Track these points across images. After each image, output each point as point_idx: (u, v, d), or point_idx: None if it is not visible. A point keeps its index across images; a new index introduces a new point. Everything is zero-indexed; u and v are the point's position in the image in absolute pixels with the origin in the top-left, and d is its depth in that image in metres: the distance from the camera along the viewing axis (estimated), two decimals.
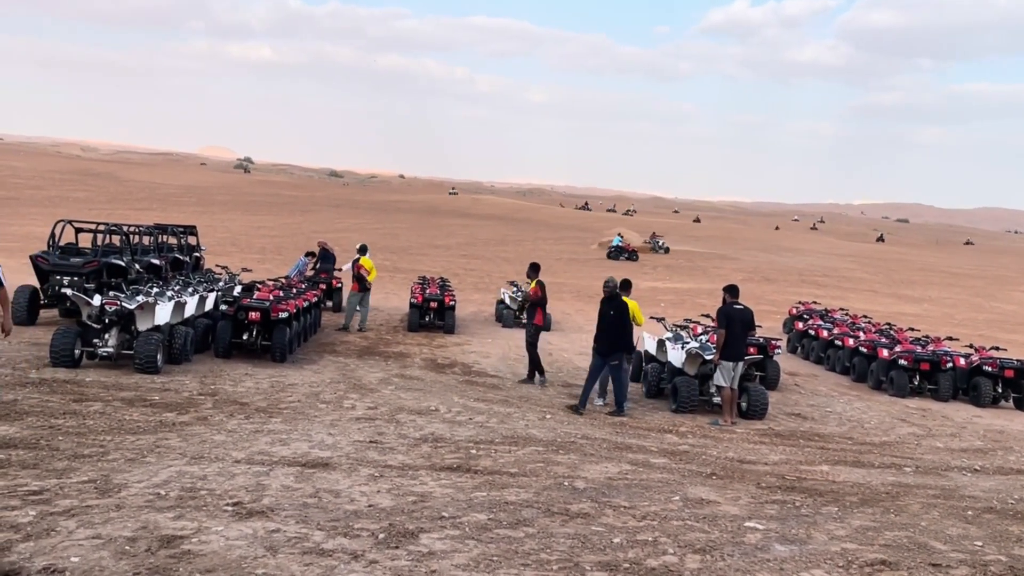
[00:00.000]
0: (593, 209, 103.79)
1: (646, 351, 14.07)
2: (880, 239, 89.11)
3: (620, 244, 45.76)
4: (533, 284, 13.71)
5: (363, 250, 18.38)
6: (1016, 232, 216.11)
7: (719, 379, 11.68)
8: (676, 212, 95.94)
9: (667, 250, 48.72)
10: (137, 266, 16.34)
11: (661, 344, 13.39)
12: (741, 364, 11.77)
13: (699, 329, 14.69)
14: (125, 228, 17.52)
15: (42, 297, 14.85)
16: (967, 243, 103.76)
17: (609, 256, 44.37)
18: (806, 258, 54.67)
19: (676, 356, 12.76)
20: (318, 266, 20.67)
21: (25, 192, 54.63)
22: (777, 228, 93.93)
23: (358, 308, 17.69)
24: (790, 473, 8.70)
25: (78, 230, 18.02)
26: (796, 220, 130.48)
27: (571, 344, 18.00)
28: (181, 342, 12.17)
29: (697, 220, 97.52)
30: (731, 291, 12.08)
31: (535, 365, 13.43)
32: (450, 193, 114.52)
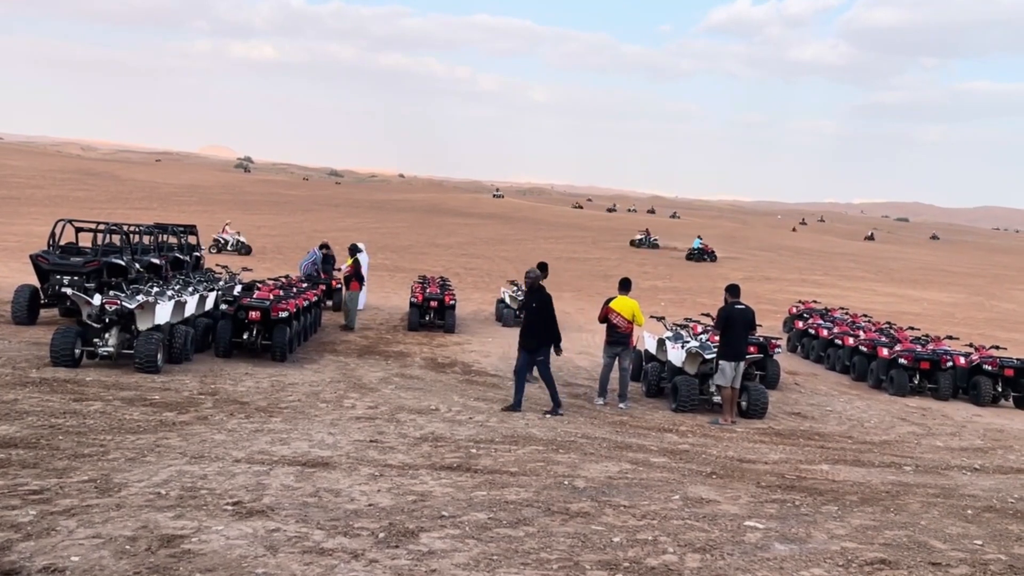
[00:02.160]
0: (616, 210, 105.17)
1: (646, 350, 14.08)
2: (869, 237, 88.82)
3: (700, 246, 47.31)
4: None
5: (355, 250, 18.57)
6: (1001, 229, 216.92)
7: (719, 378, 11.68)
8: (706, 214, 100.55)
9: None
10: (137, 265, 16.34)
11: (661, 343, 13.39)
12: (742, 364, 11.76)
13: (699, 328, 14.70)
14: (125, 227, 17.52)
15: (42, 296, 14.85)
16: (932, 237, 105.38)
17: (689, 258, 46.00)
18: (806, 256, 54.69)
19: (676, 355, 12.77)
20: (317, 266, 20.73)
21: (26, 191, 54.64)
22: (795, 230, 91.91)
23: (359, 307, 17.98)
24: (790, 472, 8.70)
25: (78, 229, 18.03)
26: (779, 218, 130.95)
27: (571, 343, 17.99)
28: (181, 341, 12.17)
29: (652, 214, 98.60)
30: (732, 291, 12.09)
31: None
32: (494, 195, 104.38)
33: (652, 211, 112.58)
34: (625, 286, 12.75)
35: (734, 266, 43.84)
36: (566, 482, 7.46)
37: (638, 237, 52.93)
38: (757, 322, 12.37)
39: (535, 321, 11.27)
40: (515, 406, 10.96)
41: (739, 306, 11.79)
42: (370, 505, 6.32)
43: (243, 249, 34.19)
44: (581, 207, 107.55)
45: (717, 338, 13.05)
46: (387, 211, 70.07)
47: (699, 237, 51.10)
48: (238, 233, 35.77)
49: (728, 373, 11.53)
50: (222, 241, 34.72)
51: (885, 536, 6.52)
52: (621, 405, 12.06)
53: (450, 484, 7.08)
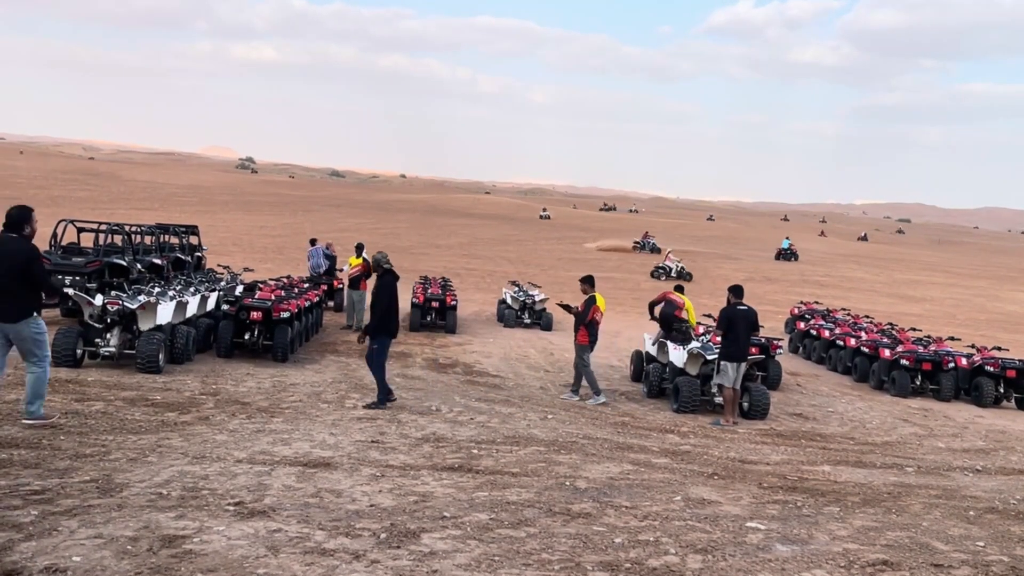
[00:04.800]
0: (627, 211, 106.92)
1: (647, 352, 14.09)
2: (863, 238, 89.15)
3: (788, 247, 53.55)
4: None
5: (362, 249, 18.65)
6: (980, 228, 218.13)
7: (721, 379, 11.67)
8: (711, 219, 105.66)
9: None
10: (139, 266, 16.35)
11: (662, 345, 13.40)
12: (743, 364, 11.74)
13: (700, 329, 14.70)
14: (127, 228, 17.53)
15: (44, 297, 14.85)
16: (898, 231, 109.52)
17: (778, 257, 51.98)
18: (807, 257, 54.69)
19: (677, 356, 12.76)
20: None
21: (28, 192, 54.66)
22: (823, 233, 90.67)
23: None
24: (792, 473, 8.69)
25: (80, 230, 18.04)
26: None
27: (571, 344, 17.99)
28: (183, 342, 12.17)
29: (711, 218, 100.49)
30: (735, 291, 12.09)
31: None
32: (541, 216, 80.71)
33: (611, 207, 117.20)
34: (589, 282, 12.73)
35: (735, 267, 43.83)
36: (568, 483, 7.45)
37: (641, 241, 51.70)
38: (760, 323, 12.36)
39: (374, 306, 10.77)
40: (380, 400, 10.38)
41: (741, 307, 11.79)
42: (371, 506, 6.32)
43: (686, 276, 36.30)
44: (612, 208, 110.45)
45: (718, 339, 13.07)
46: (388, 211, 70.11)
47: (787, 238, 57.19)
48: (679, 260, 38.51)
49: (730, 374, 11.52)
50: (666, 267, 37.03)
51: (887, 537, 6.51)
52: (602, 399, 12.13)
53: (452, 485, 7.07)
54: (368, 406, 10.24)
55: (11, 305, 7.77)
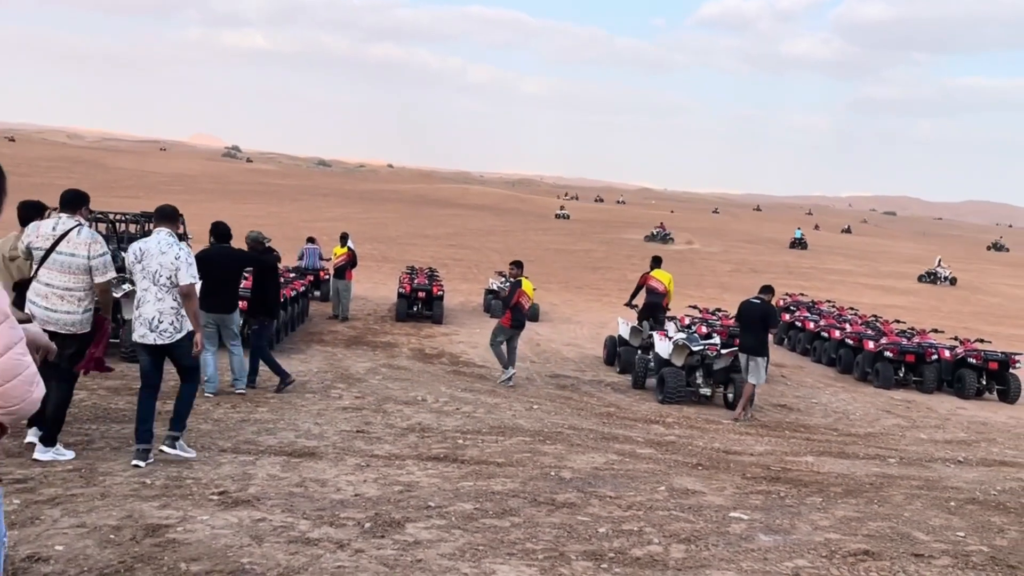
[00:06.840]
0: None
1: (619, 336, 14.24)
2: (846, 230, 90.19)
3: (800, 237, 58.48)
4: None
5: (346, 238, 18.63)
6: (945, 220, 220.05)
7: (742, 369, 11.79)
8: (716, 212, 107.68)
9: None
10: (123, 254, 16.24)
11: (635, 331, 13.66)
12: (756, 357, 11.61)
13: (686, 320, 14.78)
14: (111, 216, 17.39)
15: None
16: (863, 221, 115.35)
17: (792, 246, 56.18)
18: (794, 249, 54.96)
19: (663, 347, 12.82)
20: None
21: (11, 179, 54.04)
22: (817, 227, 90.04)
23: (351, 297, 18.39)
24: (775, 464, 8.75)
25: None
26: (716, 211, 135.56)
27: (559, 335, 18.05)
28: None
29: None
30: (761, 288, 12.24)
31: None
32: (557, 215, 71.42)
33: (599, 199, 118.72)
34: (520, 266, 12.94)
35: (722, 258, 43.96)
36: (552, 473, 7.47)
37: (654, 231, 54.25)
38: (770, 318, 12.18)
39: (253, 288, 10.82)
40: (281, 384, 10.28)
41: (753, 300, 11.90)
42: (356, 495, 6.32)
43: (952, 281, 37.59)
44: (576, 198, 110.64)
45: (704, 329, 13.18)
46: (375, 201, 69.90)
47: (799, 229, 62.58)
48: (948, 267, 39.21)
49: (741, 364, 11.62)
50: (937, 274, 38.37)
51: (868, 527, 6.56)
52: (510, 382, 12.16)
53: (436, 475, 7.08)
54: (278, 390, 10.16)
55: (225, 300, 9.79)
